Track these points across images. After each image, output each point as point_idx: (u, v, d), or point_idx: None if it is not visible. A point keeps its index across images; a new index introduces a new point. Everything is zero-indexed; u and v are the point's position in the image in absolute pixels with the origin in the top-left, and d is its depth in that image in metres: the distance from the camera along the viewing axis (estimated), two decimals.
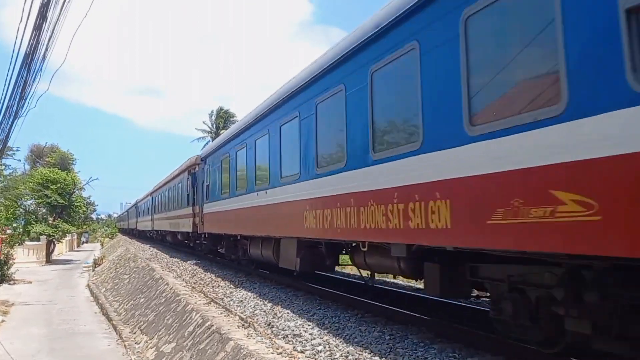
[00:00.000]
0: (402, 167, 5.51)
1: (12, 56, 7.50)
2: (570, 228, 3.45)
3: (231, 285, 11.67)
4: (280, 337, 6.53)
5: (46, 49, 6.82)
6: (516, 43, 4.15)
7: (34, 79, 7.86)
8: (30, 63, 7.46)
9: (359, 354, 5.49)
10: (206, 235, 16.88)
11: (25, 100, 8.51)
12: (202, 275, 13.99)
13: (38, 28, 6.39)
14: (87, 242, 79.40)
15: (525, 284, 4.56)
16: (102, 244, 59.69)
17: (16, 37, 7.14)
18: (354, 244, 7.48)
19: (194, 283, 12.63)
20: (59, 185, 37.46)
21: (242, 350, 5.87)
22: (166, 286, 12.58)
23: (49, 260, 38.11)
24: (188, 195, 19.98)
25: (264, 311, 8.34)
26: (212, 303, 9.51)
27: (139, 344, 10.65)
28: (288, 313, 8.01)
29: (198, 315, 8.47)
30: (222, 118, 54.14)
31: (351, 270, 12.65)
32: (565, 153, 3.50)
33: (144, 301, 13.52)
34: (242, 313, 8.25)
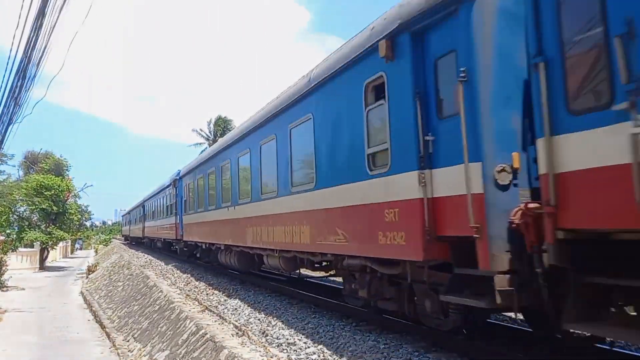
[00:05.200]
0: None
1: (7, 62, 7.51)
2: None
3: (225, 293, 11.63)
4: (274, 345, 6.51)
5: (42, 55, 6.82)
6: None
7: (29, 85, 7.85)
8: (25, 69, 7.46)
9: None
10: None
11: (21, 106, 8.49)
12: (197, 283, 13.94)
13: (35, 34, 6.40)
14: (81, 248, 78.87)
15: None
16: (96, 251, 59.34)
17: (12, 44, 7.14)
18: None
19: (188, 290, 12.57)
20: (53, 191, 37.28)
21: (236, 359, 5.84)
22: (160, 293, 12.51)
23: (42, 267, 37.84)
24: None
25: (259, 319, 8.31)
26: (207, 311, 9.47)
27: (132, 351, 10.56)
28: (282, 321, 7.99)
29: (192, 323, 8.42)
30: (220, 126, 54.14)
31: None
32: None
33: (137, 308, 13.43)
34: (236, 321, 8.21)
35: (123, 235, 58.72)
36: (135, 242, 44.60)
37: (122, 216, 66.16)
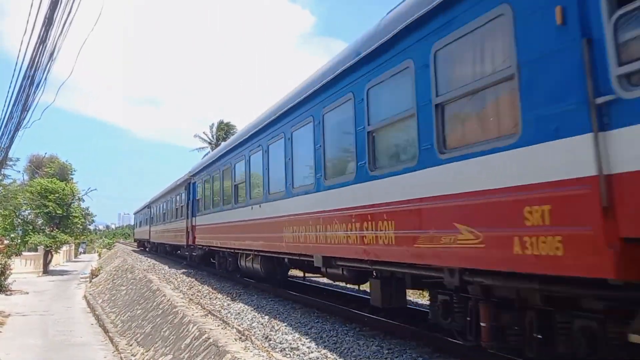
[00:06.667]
0: None
1: (14, 68, 7.57)
2: None
3: (228, 298, 11.64)
4: (277, 350, 6.51)
5: (49, 61, 6.88)
6: None
7: (37, 91, 7.91)
8: (33, 75, 7.53)
9: None
10: None
11: (28, 111, 8.56)
12: (200, 287, 13.95)
13: (42, 41, 6.46)
14: (84, 252, 78.95)
15: None
16: (99, 255, 59.38)
17: (19, 50, 7.20)
18: None
19: (192, 295, 12.58)
20: (57, 195, 37.41)
21: None
22: (163, 298, 12.52)
23: (46, 271, 37.91)
24: None
25: (262, 324, 8.31)
26: (210, 315, 9.47)
27: (135, 356, 10.57)
28: (286, 326, 7.99)
29: (195, 327, 8.43)
30: (223, 130, 54.30)
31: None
32: None
33: (140, 313, 13.44)
34: (239, 326, 8.22)
35: (136, 240, 42.57)
36: (160, 251, 28.51)
37: (135, 213, 48.51)
